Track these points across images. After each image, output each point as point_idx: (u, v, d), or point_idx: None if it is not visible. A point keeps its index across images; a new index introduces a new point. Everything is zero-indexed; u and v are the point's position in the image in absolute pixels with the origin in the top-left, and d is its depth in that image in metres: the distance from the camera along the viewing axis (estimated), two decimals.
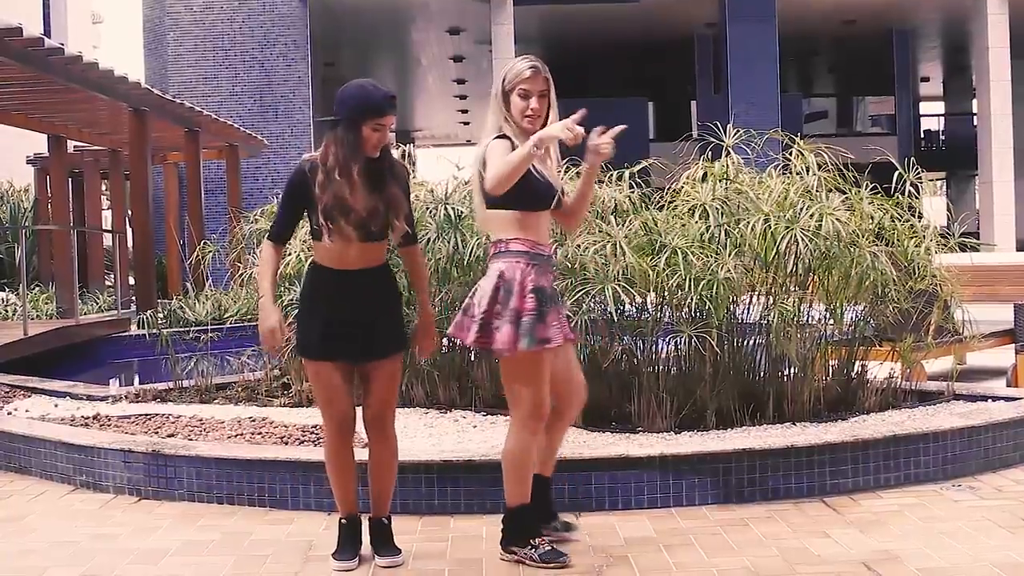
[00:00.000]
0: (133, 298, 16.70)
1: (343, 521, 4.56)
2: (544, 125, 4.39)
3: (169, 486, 5.66)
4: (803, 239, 6.34)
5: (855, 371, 6.98)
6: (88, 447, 5.98)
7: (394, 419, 4.57)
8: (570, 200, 4.65)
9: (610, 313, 6.29)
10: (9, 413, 7.56)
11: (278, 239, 4.46)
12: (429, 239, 7.06)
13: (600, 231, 6.43)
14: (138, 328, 14.24)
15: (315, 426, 6.58)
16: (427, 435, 6.40)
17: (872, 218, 6.91)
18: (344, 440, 4.47)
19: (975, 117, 32.33)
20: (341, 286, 4.36)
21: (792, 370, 6.69)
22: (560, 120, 4.30)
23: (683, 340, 6.51)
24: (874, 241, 6.77)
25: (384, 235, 4.42)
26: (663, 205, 6.92)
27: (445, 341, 7.35)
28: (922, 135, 40.27)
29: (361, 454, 4.66)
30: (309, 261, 4.40)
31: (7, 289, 17.01)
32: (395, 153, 4.54)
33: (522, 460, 4.41)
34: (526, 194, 4.36)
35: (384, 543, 4.55)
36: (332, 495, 4.63)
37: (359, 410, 4.52)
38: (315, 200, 4.27)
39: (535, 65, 4.40)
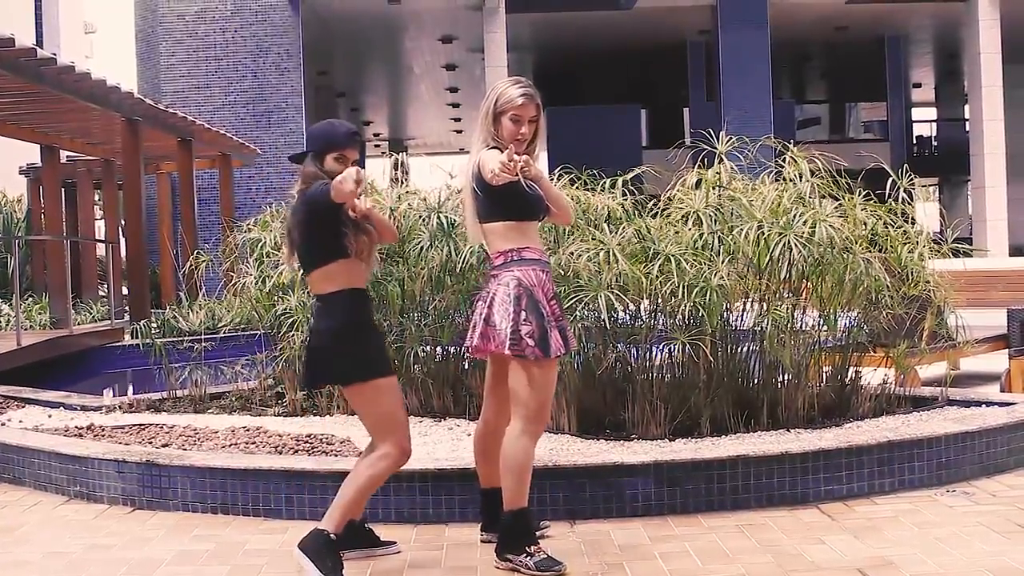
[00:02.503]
0: (127, 308, 16.68)
1: (334, 536, 4.39)
2: (525, 148, 4.54)
3: (163, 496, 5.65)
4: (796, 245, 6.34)
5: (849, 377, 6.98)
6: (82, 457, 5.97)
7: None
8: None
9: (604, 320, 6.29)
10: (3, 424, 7.54)
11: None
12: (422, 247, 7.06)
13: (593, 239, 6.43)
14: (132, 338, 14.26)
15: (309, 435, 6.58)
16: (421, 443, 6.39)
17: (865, 224, 6.92)
18: None
19: (967, 122, 32.40)
20: (365, 305, 4.58)
21: (786, 376, 6.69)
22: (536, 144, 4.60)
23: (677, 347, 6.51)
24: (867, 247, 6.78)
25: None
26: (656, 212, 6.93)
27: (438, 350, 7.37)
28: (915, 141, 40.41)
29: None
30: (333, 291, 4.43)
31: (0, 300, 16.96)
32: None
33: (526, 464, 4.45)
34: (520, 205, 4.47)
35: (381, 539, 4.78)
36: (325, 504, 4.59)
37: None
38: (343, 218, 4.36)
39: (528, 93, 4.52)
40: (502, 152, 4.35)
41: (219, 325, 13.83)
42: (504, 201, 4.45)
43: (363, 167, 4.58)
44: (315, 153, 4.50)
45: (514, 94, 4.51)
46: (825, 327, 6.86)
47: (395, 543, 4.78)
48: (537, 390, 4.41)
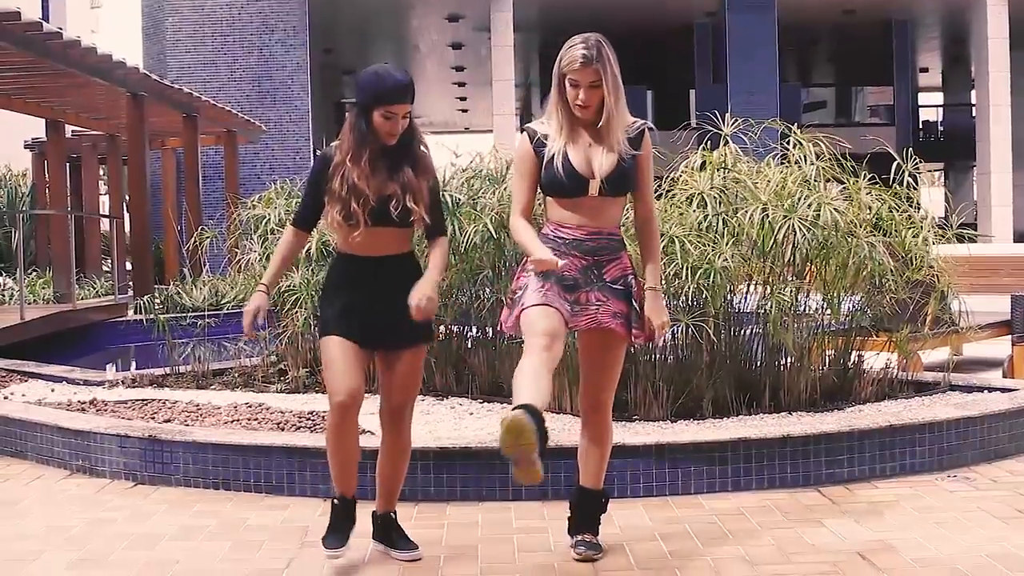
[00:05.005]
0: (130, 283, 16.70)
1: (336, 501, 4.35)
2: (596, 113, 4.18)
3: (165, 471, 5.66)
4: (801, 228, 6.34)
5: (852, 361, 6.98)
6: (84, 432, 5.98)
7: (412, 415, 4.45)
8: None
9: None
10: (6, 398, 7.56)
11: (301, 223, 4.41)
12: None
13: None
14: (135, 313, 14.28)
15: (311, 412, 6.59)
16: (423, 422, 6.39)
17: (870, 208, 6.91)
18: (346, 418, 4.19)
19: (974, 108, 32.33)
20: (359, 272, 4.29)
21: (789, 360, 6.70)
22: (621, 98, 4.20)
23: (680, 329, 6.51)
24: (872, 231, 6.77)
25: (404, 222, 4.26)
26: (661, 194, 6.92)
27: (441, 328, 7.38)
28: (920, 125, 40.25)
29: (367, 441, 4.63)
30: (335, 250, 4.37)
31: (4, 274, 16.99)
32: (428, 148, 4.38)
33: (520, 370, 4.06)
34: (545, 185, 4.27)
35: (399, 536, 4.47)
36: (328, 481, 4.56)
37: (367, 403, 4.43)
38: (328, 187, 4.23)
39: (586, 56, 4.09)
40: (526, 136, 4.27)
41: (222, 301, 13.85)
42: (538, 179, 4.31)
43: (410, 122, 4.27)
44: (361, 107, 4.17)
45: (573, 56, 4.11)
46: (828, 311, 6.86)
47: (417, 548, 4.47)
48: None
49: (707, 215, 6.56)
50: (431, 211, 4.31)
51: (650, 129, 4.37)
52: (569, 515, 4.48)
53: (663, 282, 6.43)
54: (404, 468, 4.50)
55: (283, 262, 4.45)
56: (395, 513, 4.51)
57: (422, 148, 4.34)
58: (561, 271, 4.11)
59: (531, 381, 3.93)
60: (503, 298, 6.52)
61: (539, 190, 4.32)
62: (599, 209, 4.24)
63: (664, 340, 6.38)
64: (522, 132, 4.35)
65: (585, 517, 4.44)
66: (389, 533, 4.49)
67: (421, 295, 4.20)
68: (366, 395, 4.36)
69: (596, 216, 4.24)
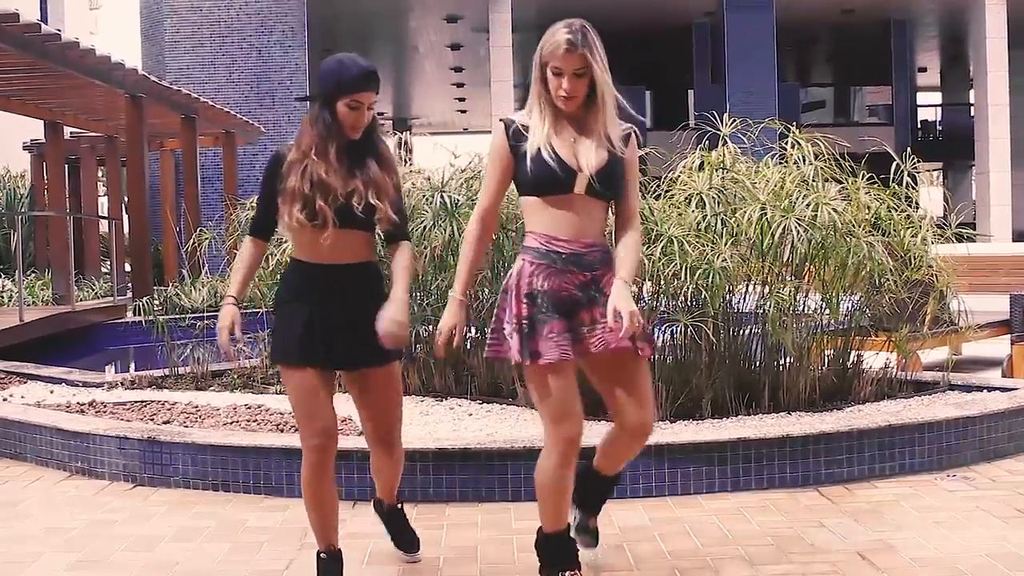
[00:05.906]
0: (129, 285, 16.70)
1: (322, 555, 3.98)
2: (581, 105, 3.74)
3: (164, 473, 5.66)
4: (799, 228, 6.34)
5: (851, 361, 6.98)
6: (84, 433, 5.98)
7: (401, 431, 4.18)
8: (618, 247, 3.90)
9: None
10: (5, 399, 7.55)
11: (258, 232, 4.07)
12: (425, 227, 7.05)
13: None
14: (134, 315, 14.28)
15: None
16: (422, 423, 6.39)
17: (869, 208, 6.91)
18: (325, 466, 3.84)
19: (972, 107, 32.35)
20: (321, 282, 3.90)
21: (788, 359, 6.69)
22: (611, 86, 3.76)
23: (679, 329, 6.51)
24: (870, 231, 6.77)
25: (367, 223, 3.91)
26: (660, 194, 6.92)
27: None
28: (919, 125, 40.30)
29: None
30: (291, 258, 4.06)
31: (3, 275, 16.97)
32: (388, 144, 4.08)
33: (541, 480, 3.82)
34: (529, 181, 3.78)
35: (402, 535, 4.40)
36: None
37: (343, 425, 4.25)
38: (283, 185, 3.87)
39: (571, 41, 3.66)
40: (502, 127, 3.85)
41: (221, 303, 13.84)
42: (516, 174, 3.84)
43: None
44: (324, 97, 3.83)
45: (556, 41, 3.67)
46: (827, 310, 6.86)
47: (417, 550, 4.42)
48: (537, 399, 3.82)
49: (706, 215, 6.56)
50: (396, 210, 3.96)
51: (636, 135, 3.98)
52: (574, 490, 3.96)
53: (663, 282, 6.44)
54: (400, 470, 4.33)
55: (248, 272, 4.12)
56: (401, 505, 4.42)
57: (382, 145, 4.04)
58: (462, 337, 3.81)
59: (561, 500, 3.83)
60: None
61: (517, 189, 3.91)
62: (586, 213, 3.77)
63: (661, 340, 6.40)
64: (500, 122, 3.91)
65: (588, 493, 4.15)
66: (397, 530, 4.42)
67: (390, 321, 3.79)
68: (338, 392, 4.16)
69: (585, 224, 3.77)
